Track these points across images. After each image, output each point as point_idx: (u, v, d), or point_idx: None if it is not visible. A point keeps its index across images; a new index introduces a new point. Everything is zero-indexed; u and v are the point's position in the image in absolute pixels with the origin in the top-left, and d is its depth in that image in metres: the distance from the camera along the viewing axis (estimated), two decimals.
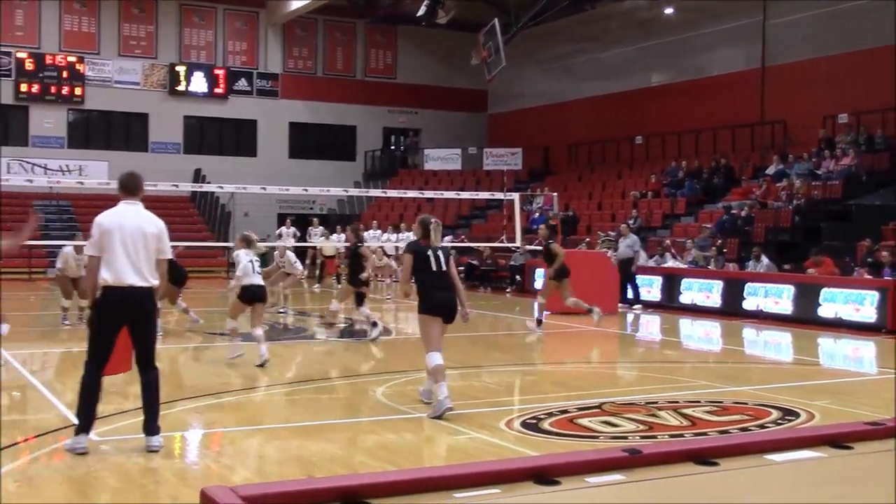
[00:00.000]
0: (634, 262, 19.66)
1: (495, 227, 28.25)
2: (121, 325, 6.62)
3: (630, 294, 19.36)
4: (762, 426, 7.80)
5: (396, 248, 24.91)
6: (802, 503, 2.86)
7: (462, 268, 25.63)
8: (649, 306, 19.28)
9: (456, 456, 6.86)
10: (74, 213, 29.73)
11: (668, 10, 29.44)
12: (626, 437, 7.37)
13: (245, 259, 11.29)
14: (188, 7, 34.53)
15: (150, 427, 6.68)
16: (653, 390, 9.75)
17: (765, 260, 18.71)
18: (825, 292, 16.39)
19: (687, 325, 17.34)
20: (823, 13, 25.33)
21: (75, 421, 6.77)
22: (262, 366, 10.78)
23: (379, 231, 28.57)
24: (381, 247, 26.36)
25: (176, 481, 6.08)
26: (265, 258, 19.48)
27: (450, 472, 2.99)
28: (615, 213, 26.78)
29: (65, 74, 32.36)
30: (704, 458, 3.22)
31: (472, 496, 2.81)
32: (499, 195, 26.29)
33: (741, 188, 24.80)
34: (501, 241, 23.85)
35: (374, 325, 13.68)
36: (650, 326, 17.40)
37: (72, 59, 32.43)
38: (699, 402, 8.89)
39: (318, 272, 26.02)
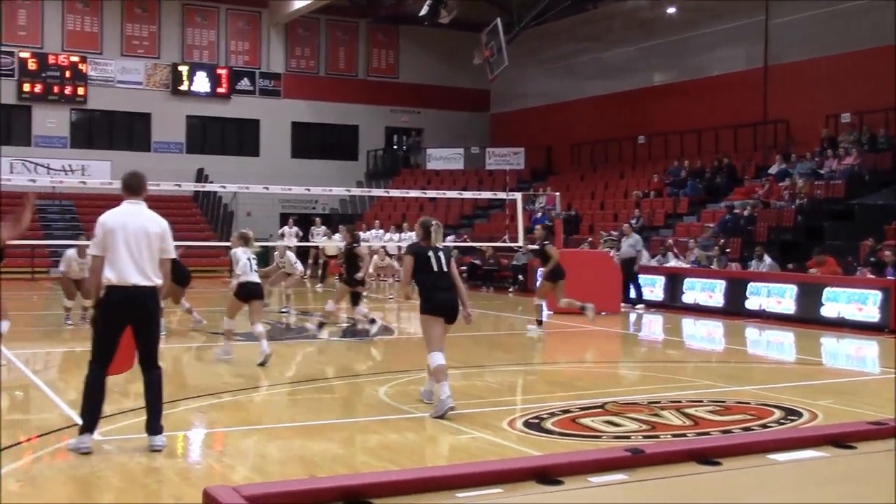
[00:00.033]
0: (637, 262, 19.66)
1: (498, 226, 28.24)
2: (125, 325, 6.63)
3: (632, 294, 19.36)
4: (765, 426, 7.79)
5: (399, 248, 24.91)
6: (805, 503, 2.86)
7: (464, 267, 25.65)
8: (652, 306, 19.28)
9: (458, 455, 6.86)
10: (77, 213, 29.76)
11: (671, 10, 29.43)
12: (628, 437, 7.37)
13: (243, 257, 11.34)
14: (191, 7, 34.55)
15: (153, 426, 6.68)
16: (655, 390, 9.75)
17: (767, 259, 18.69)
18: (828, 292, 16.38)
19: (689, 324, 17.33)
20: (825, 13, 25.31)
21: (78, 420, 6.78)
22: (264, 363, 10.77)
23: (381, 231, 28.58)
24: (384, 246, 26.36)
25: (179, 481, 6.09)
26: (265, 257, 19.52)
27: (452, 471, 2.99)
28: (617, 212, 26.77)
29: (67, 74, 32.38)
30: (707, 457, 3.21)
31: (474, 496, 2.81)
32: (501, 195, 26.27)
33: (744, 188, 24.78)
34: (504, 241, 23.83)
35: (373, 321, 13.83)
36: (653, 326, 17.40)
37: (74, 58, 32.46)
38: (702, 401, 8.88)
39: (320, 272, 26.04)
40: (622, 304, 18.78)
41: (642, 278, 19.62)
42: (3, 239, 7.82)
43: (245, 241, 11.64)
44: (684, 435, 7.31)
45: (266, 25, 35.58)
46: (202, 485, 2.92)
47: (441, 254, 8.26)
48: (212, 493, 2.58)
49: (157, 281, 6.69)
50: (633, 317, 18.17)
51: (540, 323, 14.89)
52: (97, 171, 30.77)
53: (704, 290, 18.86)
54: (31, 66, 31.87)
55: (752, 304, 17.75)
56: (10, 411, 8.61)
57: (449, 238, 26.25)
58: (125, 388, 8.44)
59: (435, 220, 8.47)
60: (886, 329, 15.12)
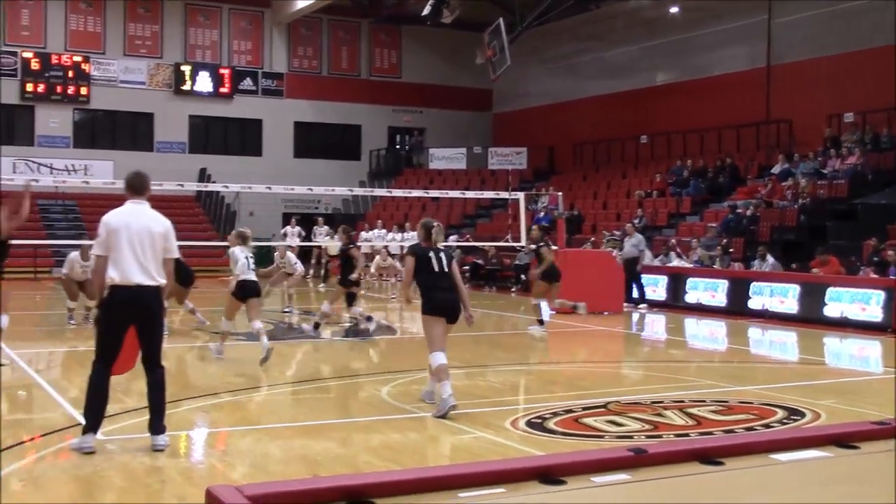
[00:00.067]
0: (640, 262, 19.64)
1: (500, 226, 28.22)
2: (128, 325, 6.63)
3: (635, 293, 19.35)
4: (768, 426, 7.79)
5: (401, 248, 24.91)
6: (808, 503, 2.86)
7: (467, 267, 25.64)
8: (654, 306, 19.27)
9: (461, 455, 6.86)
10: (80, 213, 29.79)
11: (674, 10, 29.40)
12: (631, 437, 7.36)
13: (241, 255, 11.36)
14: (193, 7, 34.56)
15: (156, 426, 6.69)
16: (658, 390, 9.74)
17: (770, 259, 18.68)
18: (831, 291, 16.36)
19: (692, 324, 17.31)
20: (828, 12, 25.27)
21: (81, 420, 6.78)
22: (266, 358, 10.74)
23: (384, 231, 28.58)
24: (386, 246, 26.36)
25: (181, 480, 6.09)
26: (267, 257, 19.52)
27: (454, 471, 2.99)
28: (620, 212, 26.76)
29: (70, 74, 32.41)
30: (710, 457, 3.21)
31: (476, 495, 2.81)
32: (504, 194, 26.24)
33: (746, 187, 24.75)
34: (506, 241, 23.81)
35: (369, 319, 14.03)
36: (655, 326, 17.39)
37: (77, 58, 32.48)
38: (704, 401, 8.88)
39: (322, 272, 26.03)
40: (625, 304, 18.77)
41: (645, 278, 19.61)
42: (5, 230, 7.81)
43: (243, 239, 11.66)
44: (687, 435, 7.31)
45: (269, 25, 35.59)
46: (205, 484, 2.92)
47: (442, 254, 8.35)
48: (214, 493, 2.58)
49: (161, 280, 6.70)
50: (635, 316, 18.16)
51: (541, 322, 14.89)
52: (100, 170, 30.79)
53: (707, 290, 18.85)
54: (34, 65, 31.90)
55: (754, 303, 17.73)
56: (14, 410, 8.62)
57: (451, 238, 26.27)
58: (128, 387, 8.45)
59: (436, 222, 8.57)
60: (889, 329, 15.10)
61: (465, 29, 30.66)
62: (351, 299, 13.85)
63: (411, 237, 23.42)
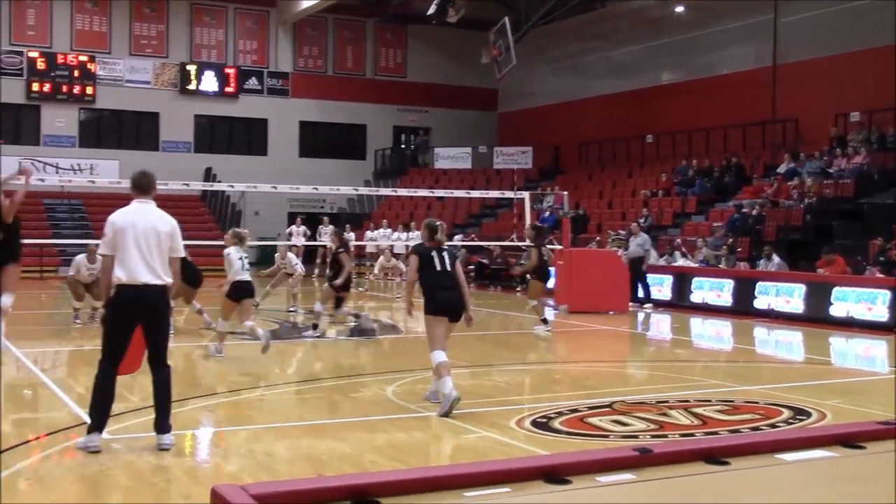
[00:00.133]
0: (645, 261, 19.62)
1: (505, 225, 28.21)
2: (135, 324, 6.64)
3: (641, 293, 19.32)
4: (773, 425, 7.77)
5: (406, 248, 24.91)
6: (814, 503, 2.85)
7: (472, 266, 25.64)
8: (660, 305, 19.24)
9: (466, 455, 6.86)
10: (86, 213, 29.85)
11: (679, 9, 29.38)
12: (636, 437, 7.36)
13: (236, 256, 11.37)
14: (199, 6, 34.61)
15: (162, 425, 6.70)
16: (663, 389, 9.74)
17: (776, 259, 18.65)
18: (837, 291, 16.33)
19: (698, 324, 17.30)
20: (835, 11, 25.23)
21: (87, 419, 6.79)
22: (266, 347, 10.90)
23: (389, 230, 28.59)
24: (391, 246, 26.36)
25: (187, 479, 6.10)
26: (271, 256, 19.54)
27: (460, 470, 2.99)
28: (626, 211, 26.74)
29: (76, 74, 32.48)
30: (715, 457, 3.20)
31: (482, 495, 2.81)
32: (509, 194, 26.24)
33: (752, 187, 24.72)
34: (511, 240, 23.81)
35: (358, 316, 14.39)
36: (661, 325, 17.38)
37: (83, 58, 32.56)
38: (710, 401, 8.87)
39: (328, 271, 26.01)
40: (630, 304, 18.75)
41: (650, 277, 19.58)
42: (6, 213, 7.71)
43: (240, 240, 11.67)
44: (692, 434, 7.31)
45: (274, 25, 35.62)
46: (210, 483, 2.93)
47: (445, 253, 8.43)
48: (220, 492, 2.58)
49: (167, 279, 6.71)
50: (641, 316, 18.14)
51: (545, 321, 14.89)
52: (106, 170, 30.84)
53: (713, 290, 18.83)
54: (40, 65, 31.98)
55: (760, 303, 17.70)
56: (19, 409, 8.64)
57: (457, 237, 26.27)
58: (133, 386, 8.46)
59: (439, 221, 8.69)
60: (895, 328, 15.07)
61: (471, 28, 30.66)
62: (338, 302, 13.95)
63: (416, 237, 23.41)
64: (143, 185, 6.90)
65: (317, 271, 26.03)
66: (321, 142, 36.54)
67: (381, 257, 24.42)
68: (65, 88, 32.25)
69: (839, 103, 24.50)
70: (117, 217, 6.75)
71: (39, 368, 10.89)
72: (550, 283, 19.54)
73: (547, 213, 27.52)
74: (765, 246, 19.44)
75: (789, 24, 26.63)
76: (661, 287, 19.83)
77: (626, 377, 11.67)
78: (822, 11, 25.61)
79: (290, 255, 17.69)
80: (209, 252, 26.67)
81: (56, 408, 8.51)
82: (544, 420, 7.87)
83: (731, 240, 21.10)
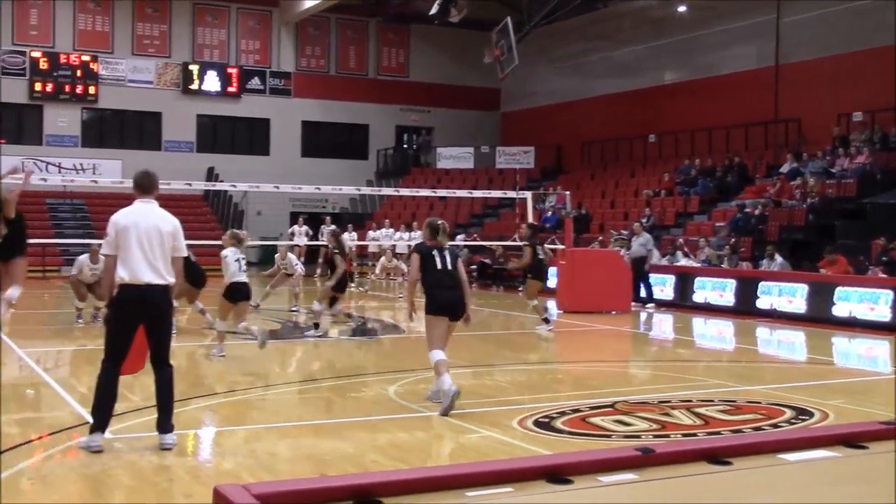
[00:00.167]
0: (647, 261, 19.62)
1: (508, 225, 28.22)
2: (138, 323, 6.64)
3: (643, 293, 19.32)
4: (776, 425, 7.77)
5: (408, 247, 24.91)
6: (816, 503, 2.85)
7: (474, 266, 25.63)
8: (662, 305, 19.24)
9: (468, 454, 6.86)
10: (88, 212, 29.88)
11: (681, 9, 29.37)
12: (638, 436, 7.35)
13: (232, 258, 11.37)
14: (201, 6, 34.63)
15: (164, 425, 6.70)
16: (666, 389, 9.73)
17: (778, 258, 18.64)
18: (839, 291, 16.32)
19: (700, 323, 17.29)
20: (837, 11, 25.21)
21: (89, 419, 6.79)
22: (263, 343, 11.06)
23: (391, 230, 28.59)
24: (393, 247, 26.37)
25: (189, 479, 6.10)
26: (273, 256, 19.55)
27: (462, 470, 2.99)
28: (628, 211, 26.73)
29: (79, 73, 32.52)
30: (718, 457, 3.20)
31: (484, 495, 2.81)
32: (511, 194, 26.26)
33: (755, 186, 24.70)
34: (514, 240, 23.80)
35: (349, 316, 14.72)
36: (663, 325, 17.37)
37: (86, 58, 32.59)
38: (712, 401, 8.86)
39: (330, 270, 26.00)
40: (632, 304, 18.75)
41: (653, 277, 19.58)
42: (6, 209, 7.72)
43: (238, 241, 11.67)
44: (695, 434, 7.30)
45: (276, 24, 35.64)
46: (213, 483, 2.93)
47: (446, 252, 8.45)
48: (222, 492, 2.58)
49: (170, 279, 6.71)
50: (643, 316, 18.13)
51: (547, 321, 14.89)
52: (108, 170, 30.88)
53: (715, 290, 18.82)
54: (43, 65, 32.02)
55: (763, 303, 17.69)
56: (22, 409, 8.64)
57: (459, 237, 26.27)
58: (135, 386, 8.46)
59: (441, 221, 8.70)
60: None
61: (473, 28, 30.67)
62: (332, 301, 13.97)
63: (419, 237, 23.41)
64: (145, 185, 6.91)
65: (318, 271, 26.02)
66: (323, 142, 36.55)
67: (383, 257, 24.43)
68: (67, 88, 32.29)
69: (842, 103, 24.48)
70: (120, 217, 6.75)
71: (42, 368, 10.89)
72: (552, 283, 19.62)
73: (549, 213, 27.51)
74: (767, 246, 19.42)
75: (792, 24, 26.61)
76: (664, 287, 19.82)
77: (628, 377, 11.66)
78: (824, 11, 25.59)
79: (291, 255, 17.71)
80: (211, 252, 26.72)
81: (58, 407, 8.51)
82: (546, 420, 7.86)
83: (733, 240, 21.09)
